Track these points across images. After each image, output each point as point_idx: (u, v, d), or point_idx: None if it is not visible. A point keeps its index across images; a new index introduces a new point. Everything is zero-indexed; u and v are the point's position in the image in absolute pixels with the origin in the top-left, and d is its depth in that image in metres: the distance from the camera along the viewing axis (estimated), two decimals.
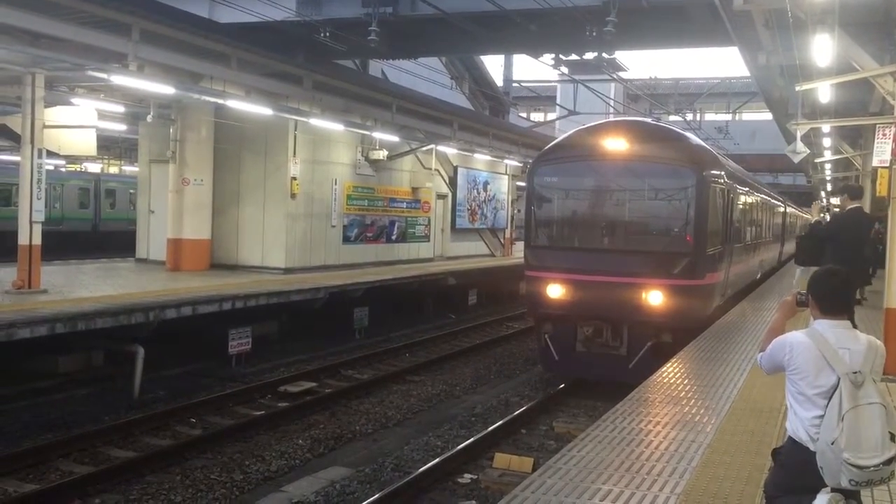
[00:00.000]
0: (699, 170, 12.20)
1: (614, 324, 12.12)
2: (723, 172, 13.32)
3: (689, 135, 15.09)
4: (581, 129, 13.95)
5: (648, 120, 18.77)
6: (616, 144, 12.32)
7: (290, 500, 8.43)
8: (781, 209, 27.53)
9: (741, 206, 15.85)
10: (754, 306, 15.21)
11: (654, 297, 11.72)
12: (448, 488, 8.88)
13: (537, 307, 12.76)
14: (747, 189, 17.09)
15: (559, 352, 12.52)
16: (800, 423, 3.54)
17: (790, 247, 31.50)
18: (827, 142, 18.84)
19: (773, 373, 3.83)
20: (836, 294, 3.69)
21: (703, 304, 12.44)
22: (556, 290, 12.33)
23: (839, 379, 3.40)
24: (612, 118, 24.21)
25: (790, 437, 3.63)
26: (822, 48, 8.83)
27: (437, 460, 9.39)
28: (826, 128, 16.25)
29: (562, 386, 13.04)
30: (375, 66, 23.88)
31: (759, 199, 19.66)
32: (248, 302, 14.04)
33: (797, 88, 11.80)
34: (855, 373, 3.40)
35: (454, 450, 9.84)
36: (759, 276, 20.25)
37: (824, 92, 11.97)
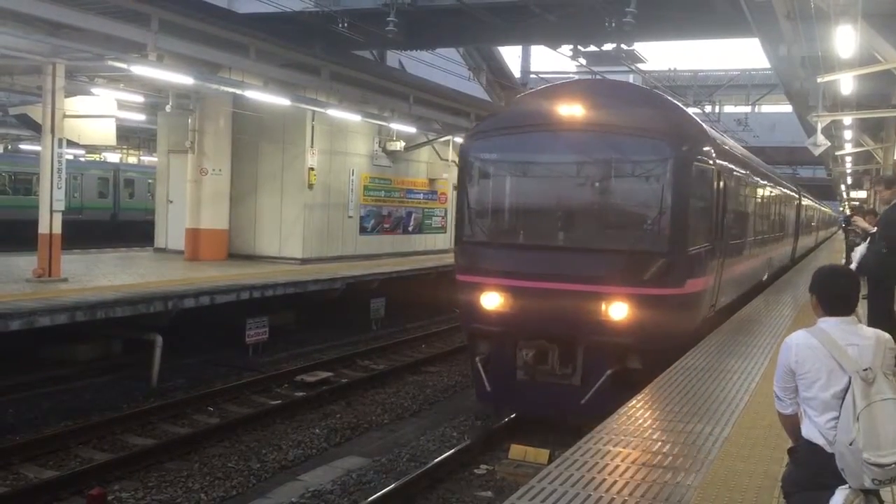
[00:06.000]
0: (678, 143, 9.67)
1: (565, 345, 9.56)
2: (711, 149, 10.68)
3: (668, 97, 12.45)
4: (528, 93, 11.87)
5: (616, 80, 14.80)
6: (570, 111, 9.77)
7: (307, 488, 8.48)
8: (795, 199, 24.85)
9: (740, 193, 13.29)
10: (771, 300, 15.01)
11: (617, 311, 9.28)
12: (464, 479, 8.91)
13: (469, 321, 10.29)
14: (748, 172, 14.31)
15: (494, 380, 9.91)
16: (814, 427, 3.50)
17: (806, 241, 29.58)
18: (848, 134, 18.61)
19: (788, 391, 3.63)
20: (844, 295, 3.61)
21: (683, 319, 9.86)
22: (491, 300, 9.82)
23: (850, 378, 3.35)
24: None
25: (806, 440, 3.59)
26: (845, 39, 8.73)
27: (452, 451, 9.41)
28: (847, 120, 16.06)
29: None
30: (393, 57, 23.82)
31: (765, 185, 16.94)
32: (266, 292, 14.11)
33: (818, 80, 11.65)
34: (865, 370, 3.35)
35: (470, 440, 9.86)
36: (765, 277, 17.67)
37: (846, 84, 11.82)
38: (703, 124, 11.59)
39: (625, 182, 10.12)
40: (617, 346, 9.29)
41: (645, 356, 9.23)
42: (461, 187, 10.77)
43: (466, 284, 10.16)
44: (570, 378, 9.59)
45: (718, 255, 10.85)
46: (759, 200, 16.11)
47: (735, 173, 12.43)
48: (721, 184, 10.90)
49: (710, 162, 10.41)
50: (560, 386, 9.61)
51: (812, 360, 3.47)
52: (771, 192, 18.08)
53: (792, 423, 3.75)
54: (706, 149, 10.44)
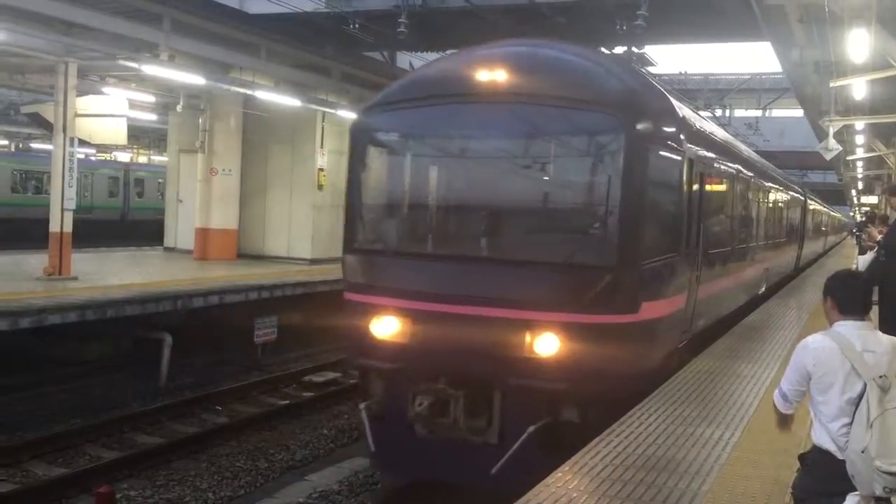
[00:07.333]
0: (631, 118, 7.18)
1: (477, 390, 7.06)
2: (681, 132, 8.22)
3: (623, 62, 9.73)
4: (441, 57, 9.34)
5: (554, 41, 9.40)
6: (491, 77, 7.28)
7: (314, 488, 8.48)
8: (800, 202, 22.60)
9: (725, 191, 11.07)
10: (774, 310, 14.84)
11: (547, 344, 6.86)
12: None
13: (357, 355, 7.87)
14: (738, 167, 11.88)
15: (384, 436, 7.42)
16: (826, 432, 3.49)
17: (812, 248, 28.02)
18: (860, 139, 18.56)
19: (798, 393, 3.66)
20: (858, 295, 3.66)
21: (638, 354, 7.41)
22: (382, 328, 7.37)
23: (865, 385, 3.35)
24: None
25: (816, 447, 3.58)
26: (859, 44, 8.69)
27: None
28: (859, 125, 16.03)
29: None
30: (403, 58, 23.84)
31: (761, 183, 14.49)
32: (275, 292, 14.13)
33: (831, 85, 11.62)
34: (881, 377, 3.34)
35: None
36: (762, 289, 15.18)
37: (859, 88, 11.78)
38: (672, 99, 8.92)
39: (559, 170, 7.81)
40: (546, 392, 6.89)
41: (584, 406, 6.94)
42: (351, 178, 8.29)
43: (355, 305, 7.72)
44: (485, 434, 7.14)
45: (692, 267, 8.56)
46: (754, 201, 13.82)
47: (717, 165, 10.15)
48: (696, 176, 8.59)
49: (679, 147, 8.01)
50: (471, 445, 7.14)
51: (830, 363, 3.46)
52: (769, 191, 15.89)
53: (787, 420, 3.80)
54: (673, 130, 8.03)
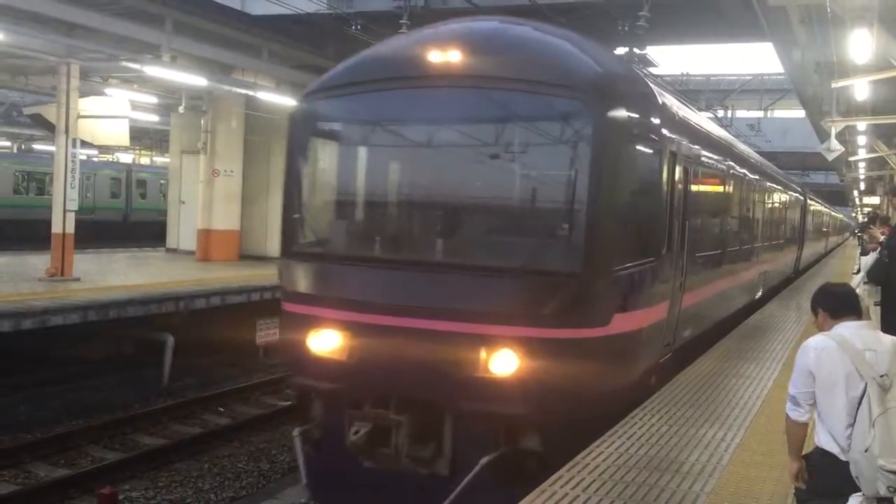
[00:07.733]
0: (602, 103, 6.35)
1: (424, 415, 6.20)
2: (660, 119, 7.45)
3: (592, 43, 7.71)
4: (390, 38, 8.41)
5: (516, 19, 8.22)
6: (444, 58, 6.44)
7: None
8: (800, 201, 21.84)
9: (714, 188, 10.27)
10: (778, 311, 14.81)
11: (504, 363, 6.00)
12: None
13: (295, 373, 7.08)
14: (731, 162, 11.12)
15: (318, 465, 6.60)
16: (829, 434, 3.50)
17: (813, 249, 27.65)
18: (862, 140, 18.55)
19: (807, 395, 3.60)
20: (847, 297, 3.72)
21: (610, 372, 6.54)
22: (322, 342, 6.47)
23: (867, 385, 3.36)
24: None
25: (819, 448, 3.58)
26: (860, 44, 8.68)
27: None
28: (861, 125, 16.02)
29: None
30: None
31: (756, 181, 13.66)
32: (277, 293, 14.09)
33: (833, 85, 11.61)
34: (882, 376, 3.36)
35: None
36: (759, 294, 14.42)
37: (861, 89, 11.77)
38: (653, 85, 8.09)
39: (519, 164, 6.83)
40: (503, 417, 6.05)
41: (547, 433, 6.08)
42: (289, 173, 7.26)
43: (291, 317, 6.88)
44: (434, 464, 6.24)
45: (675, 272, 7.76)
46: (748, 200, 12.97)
47: (706, 159, 9.31)
48: (679, 171, 7.80)
49: (658, 137, 7.24)
50: (418, 477, 6.23)
51: (831, 363, 3.46)
52: (766, 190, 15.12)
53: (801, 434, 3.70)
54: (651, 118, 7.23)
